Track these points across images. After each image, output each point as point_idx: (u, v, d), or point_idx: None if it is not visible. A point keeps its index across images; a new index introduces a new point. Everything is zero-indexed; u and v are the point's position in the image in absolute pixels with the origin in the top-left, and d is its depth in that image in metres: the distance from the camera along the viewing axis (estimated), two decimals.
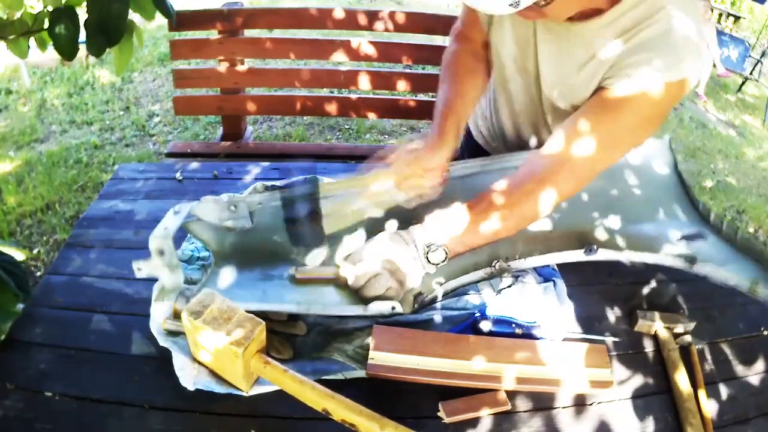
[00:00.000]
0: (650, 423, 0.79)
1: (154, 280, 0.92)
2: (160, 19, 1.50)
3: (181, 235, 1.03)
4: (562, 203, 1.05)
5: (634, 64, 0.82)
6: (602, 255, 0.94)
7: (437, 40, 2.10)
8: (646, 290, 1.02)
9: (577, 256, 0.94)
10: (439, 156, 0.96)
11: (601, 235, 1.01)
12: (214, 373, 0.78)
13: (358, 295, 0.88)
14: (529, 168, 0.92)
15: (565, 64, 0.92)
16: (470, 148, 1.35)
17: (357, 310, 0.87)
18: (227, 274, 0.92)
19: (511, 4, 0.71)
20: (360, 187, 0.98)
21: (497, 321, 0.88)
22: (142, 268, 0.83)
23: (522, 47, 0.98)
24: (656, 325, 0.92)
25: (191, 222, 0.97)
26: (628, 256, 0.97)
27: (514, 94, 1.09)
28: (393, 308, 0.87)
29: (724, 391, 0.85)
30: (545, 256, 0.95)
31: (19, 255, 0.97)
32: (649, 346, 0.91)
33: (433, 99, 1.13)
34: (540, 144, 1.03)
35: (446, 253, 0.88)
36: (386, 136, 3.53)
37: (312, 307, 0.86)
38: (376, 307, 0.87)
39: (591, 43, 0.87)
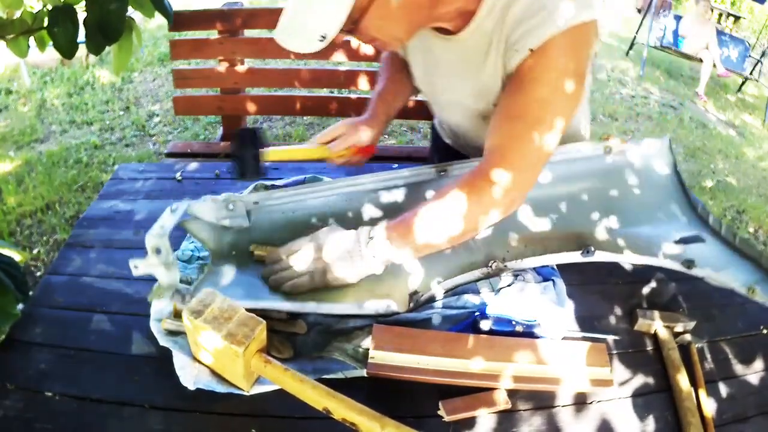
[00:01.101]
0: (650, 421, 0.79)
1: (153, 280, 0.92)
2: (160, 19, 1.50)
3: (181, 235, 1.03)
4: (560, 205, 1.05)
5: (521, 37, 0.83)
6: (599, 257, 0.94)
7: None
8: (646, 289, 1.02)
9: (574, 257, 0.94)
10: (369, 133, 1.10)
11: (598, 237, 1.01)
12: (214, 373, 0.79)
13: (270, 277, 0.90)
14: (477, 166, 0.88)
15: (470, 71, 0.95)
16: (440, 149, 1.36)
17: (352, 308, 0.87)
18: (225, 273, 0.92)
19: (320, 39, 0.76)
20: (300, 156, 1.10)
21: (497, 320, 0.88)
22: (138, 267, 0.84)
23: (426, 70, 1.06)
24: (656, 324, 0.92)
25: (189, 221, 0.97)
26: (625, 258, 0.97)
27: (436, 106, 1.18)
28: (388, 306, 0.87)
29: (723, 389, 0.85)
30: (542, 257, 0.95)
31: (18, 257, 0.98)
32: (648, 345, 0.92)
33: None
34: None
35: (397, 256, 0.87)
36: (386, 136, 3.53)
37: (306, 305, 0.86)
38: (372, 305, 0.87)
39: (479, 42, 0.90)
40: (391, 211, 1.01)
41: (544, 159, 0.87)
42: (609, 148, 1.10)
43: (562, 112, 0.85)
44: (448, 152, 1.31)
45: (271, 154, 1.04)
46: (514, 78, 0.86)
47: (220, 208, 0.98)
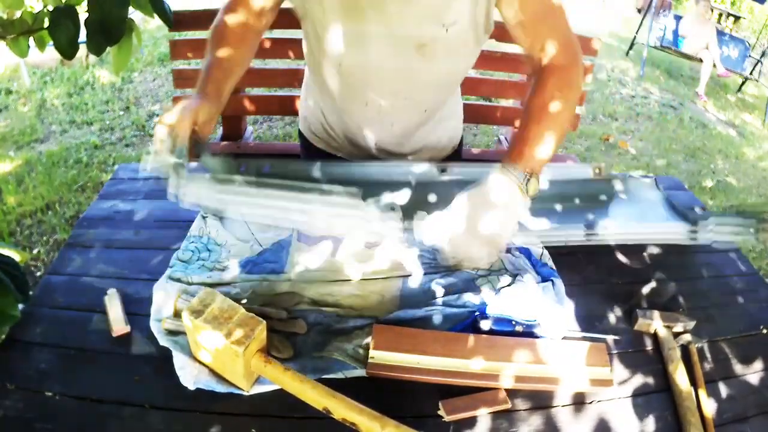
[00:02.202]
0: (650, 421, 0.79)
1: (154, 280, 0.92)
2: (160, 19, 1.50)
3: (180, 235, 1.03)
4: (557, 208, 1.07)
5: None
6: (604, 233, 0.94)
7: None
8: (645, 289, 1.02)
9: (578, 235, 0.95)
10: (205, 110, 0.96)
11: (598, 231, 1.02)
12: (214, 373, 0.79)
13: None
14: (546, 73, 0.99)
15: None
16: (312, 157, 1.31)
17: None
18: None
19: None
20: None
21: (497, 320, 0.88)
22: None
23: (350, 12, 1.00)
24: (656, 323, 0.92)
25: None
26: (630, 236, 0.96)
27: (354, 40, 1.06)
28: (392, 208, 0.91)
29: (723, 389, 0.85)
30: (547, 232, 0.96)
31: (18, 257, 0.98)
32: (648, 345, 0.92)
33: None
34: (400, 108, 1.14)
35: (538, 180, 0.91)
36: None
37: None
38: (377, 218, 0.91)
39: None
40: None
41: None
42: (599, 170, 1.14)
43: None
44: (320, 158, 1.28)
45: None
46: None
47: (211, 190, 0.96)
